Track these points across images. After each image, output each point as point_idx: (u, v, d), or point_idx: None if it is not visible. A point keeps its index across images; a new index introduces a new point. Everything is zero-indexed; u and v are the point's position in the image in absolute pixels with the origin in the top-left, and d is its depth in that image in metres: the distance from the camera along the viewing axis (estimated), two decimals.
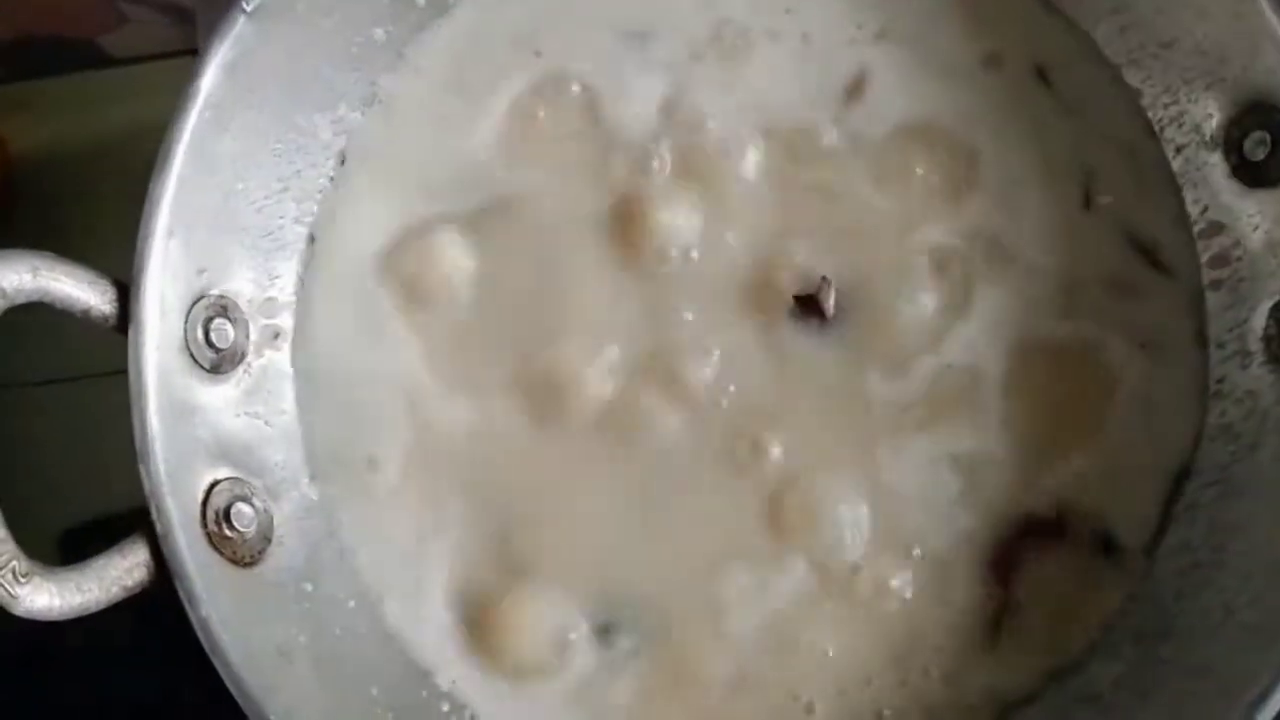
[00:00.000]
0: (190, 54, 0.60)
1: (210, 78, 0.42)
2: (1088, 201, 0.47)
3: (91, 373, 0.58)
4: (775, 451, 0.46)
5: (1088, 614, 0.45)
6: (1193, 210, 0.46)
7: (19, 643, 0.54)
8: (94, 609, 0.40)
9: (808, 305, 0.46)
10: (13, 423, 0.60)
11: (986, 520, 0.45)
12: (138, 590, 0.41)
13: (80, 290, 0.41)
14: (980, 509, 0.45)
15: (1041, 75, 0.47)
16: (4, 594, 0.38)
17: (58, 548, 0.57)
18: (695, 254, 0.47)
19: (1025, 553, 0.45)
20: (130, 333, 0.41)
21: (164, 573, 0.41)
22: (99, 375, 0.57)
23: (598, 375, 0.46)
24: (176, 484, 0.41)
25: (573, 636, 0.45)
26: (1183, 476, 0.45)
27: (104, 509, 0.56)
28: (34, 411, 0.60)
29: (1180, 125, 0.46)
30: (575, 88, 0.47)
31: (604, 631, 0.45)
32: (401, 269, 0.47)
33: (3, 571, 0.38)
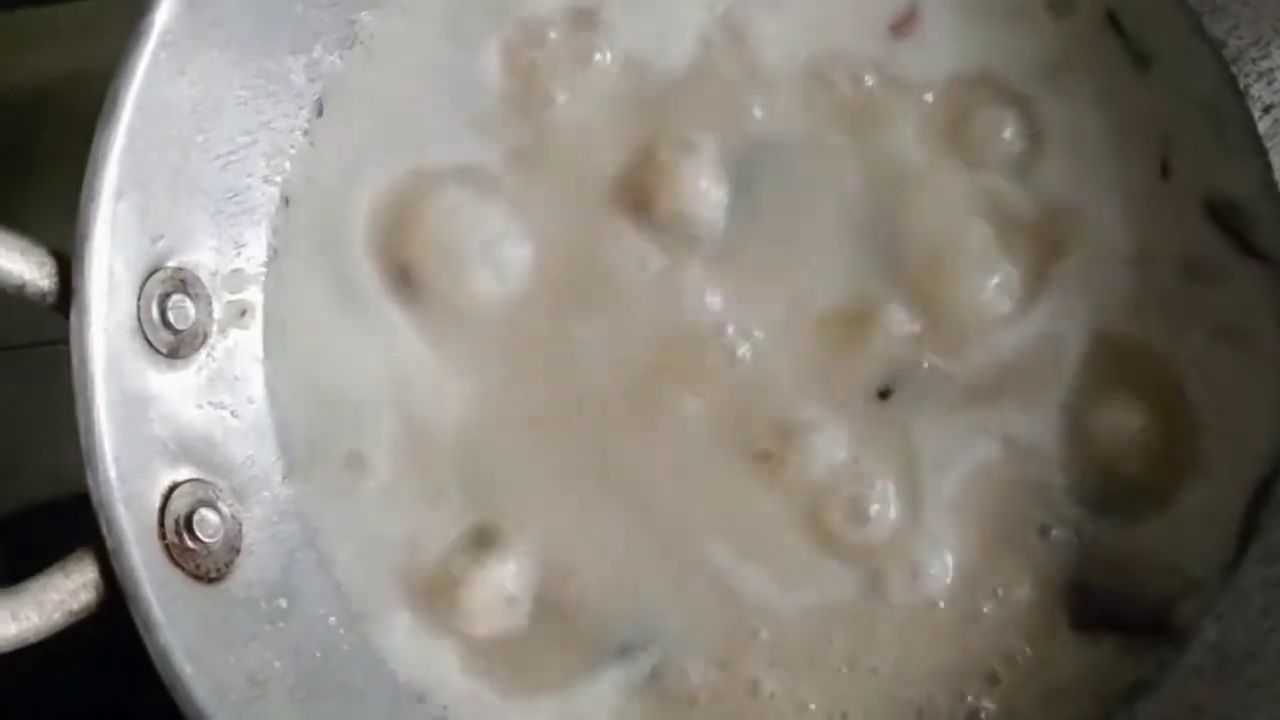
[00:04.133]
0: None
1: (165, 11, 0.37)
2: (1165, 170, 0.42)
3: (30, 342, 0.52)
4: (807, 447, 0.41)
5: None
6: None
7: None
8: (33, 639, 0.35)
9: None
10: None
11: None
12: (85, 615, 0.36)
13: (12, 262, 0.36)
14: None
15: (1114, 22, 0.42)
16: None
17: None
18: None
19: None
20: (73, 312, 0.36)
21: (116, 594, 0.35)
22: (40, 345, 0.52)
23: (621, 360, 0.41)
24: (130, 490, 0.36)
25: (587, 655, 0.41)
26: (1269, 479, 0.41)
27: (48, 493, 0.52)
28: None
29: (1270, 83, 0.42)
30: (591, 25, 0.42)
31: (621, 652, 0.40)
32: (388, 235, 0.42)
33: None
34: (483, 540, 0.41)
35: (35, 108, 0.54)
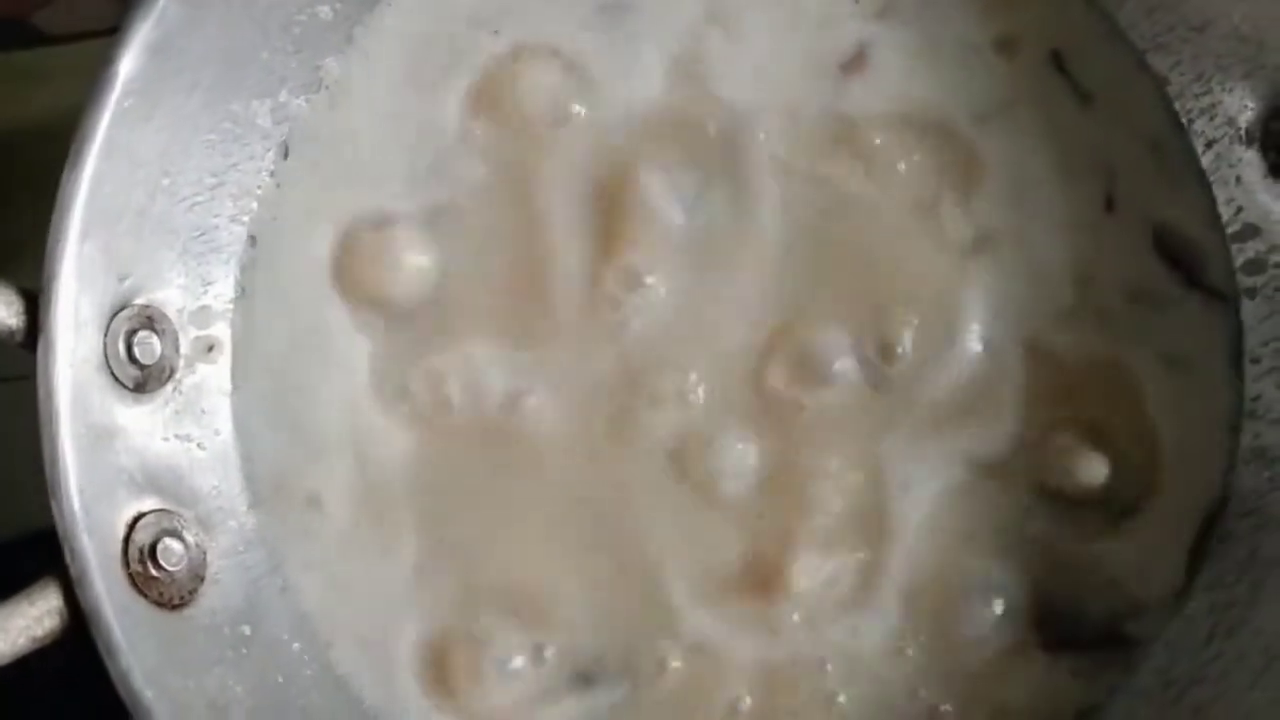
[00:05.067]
0: None
1: (130, 60, 0.37)
2: (1110, 203, 0.42)
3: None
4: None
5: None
6: (1225, 211, 0.42)
7: None
8: None
9: None
10: None
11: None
12: (49, 640, 0.36)
13: None
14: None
15: (1058, 61, 0.43)
16: None
17: None
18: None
19: None
20: (40, 349, 0.37)
21: (79, 620, 0.36)
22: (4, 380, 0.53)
23: (566, 401, 0.42)
24: (94, 520, 0.37)
25: (546, 684, 0.41)
26: (1214, 507, 0.41)
27: (15, 528, 0.50)
28: None
29: (1212, 118, 0.42)
30: (552, 69, 0.43)
31: (582, 680, 0.41)
32: (350, 274, 0.43)
33: None
34: (446, 575, 0.42)
35: (12, 147, 0.55)
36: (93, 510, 0.37)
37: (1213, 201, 0.42)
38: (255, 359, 0.42)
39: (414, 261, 0.42)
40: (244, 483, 0.42)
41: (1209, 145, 0.42)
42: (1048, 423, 0.42)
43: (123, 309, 0.39)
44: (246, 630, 0.40)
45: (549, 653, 0.41)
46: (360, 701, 0.41)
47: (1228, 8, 0.40)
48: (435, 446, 0.42)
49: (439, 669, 0.41)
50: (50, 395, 0.37)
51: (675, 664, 0.41)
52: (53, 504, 0.36)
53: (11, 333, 0.37)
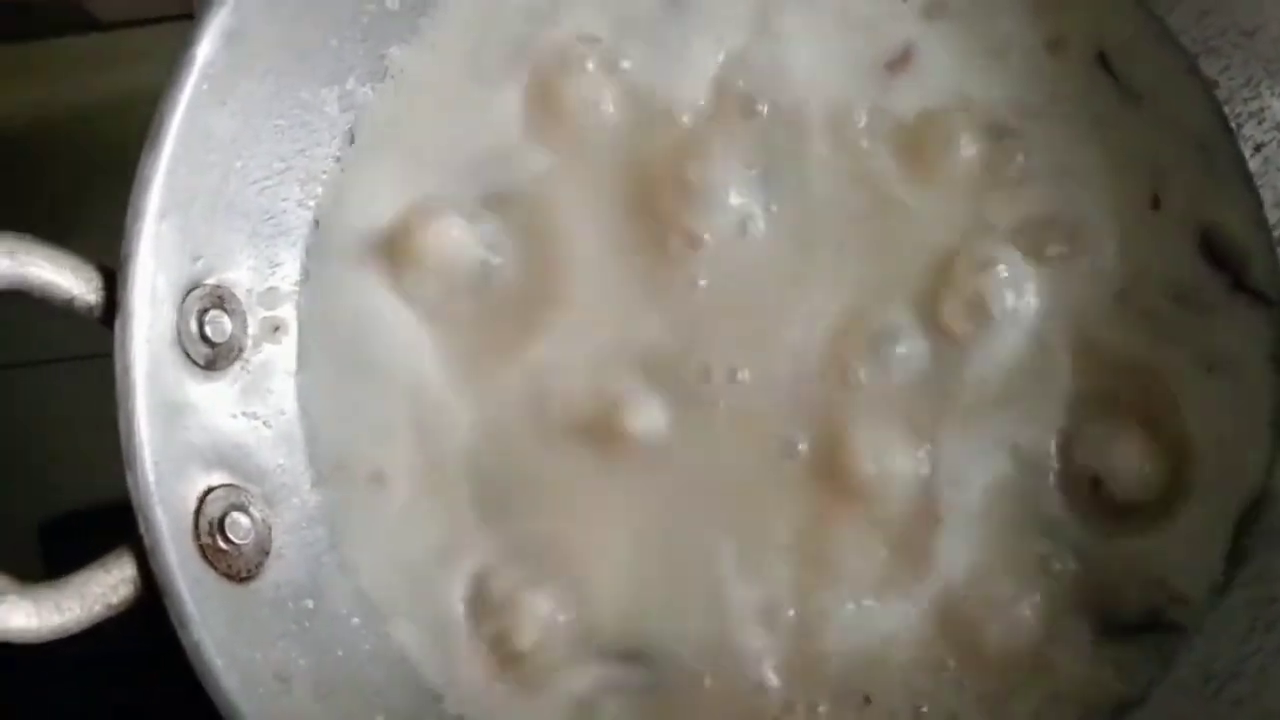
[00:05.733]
0: (183, 19, 0.56)
1: (207, 45, 0.39)
2: (1156, 202, 0.43)
3: (66, 356, 0.54)
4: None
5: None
6: (1271, 215, 0.43)
7: None
8: (74, 630, 0.36)
9: None
10: None
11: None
12: (123, 609, 0.37)
13: (63, 277, 0.37)
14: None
15: (1104, 62, 0.44)
16: None
17: (38, 540, 0.54)
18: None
19: None
20: (117, 325, 0.38)
21: (152, 590, 0.37)
22: (75, 359, 0.54)
23: (616, 386, 0.43)
24: (167, 492, 0.38)
25: (594, 660, 0.42)
26: (1254, 503, 0.42)
27: (87, 500, 0.53)
28: (6, 396, 0.56)
29: (1260, 121, 0.43)
30: (610, 62, 0.44)
31: (628, 658, 0.42)
32: (413, 259, 0.43)
33: None
34: (503, 553, 0.42)
35: (82, 129, 0.57)
36: (166, 483, 0.38)
37: (1260, 204, 0.43)
38: (319, 340, 0.43)
39: (474, 247, 0.43)
40: (307, 461, 0.43)
41: (1257, 149, 0.43)
42: (1092, 417, 0.42)
43: (195, 288, 0.40)
44: (309, 604, 0.41)
45: (600, 633, 0.42)
46: (419, 676, 0.42)
47: (1279, 12, 0.41)
48: (496, 427, 0.43)
49: (495, 645, 0.42)
50: (127, 370, 0.37)
51: (721, 641, 0.42)
52: (128, 476, 0.37)
53: (90, 308, 0.38)
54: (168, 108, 0.38)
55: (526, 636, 0.42)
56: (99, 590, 0.37)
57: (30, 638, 0.36)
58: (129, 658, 0.44)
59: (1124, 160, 0.43)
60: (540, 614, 0.42)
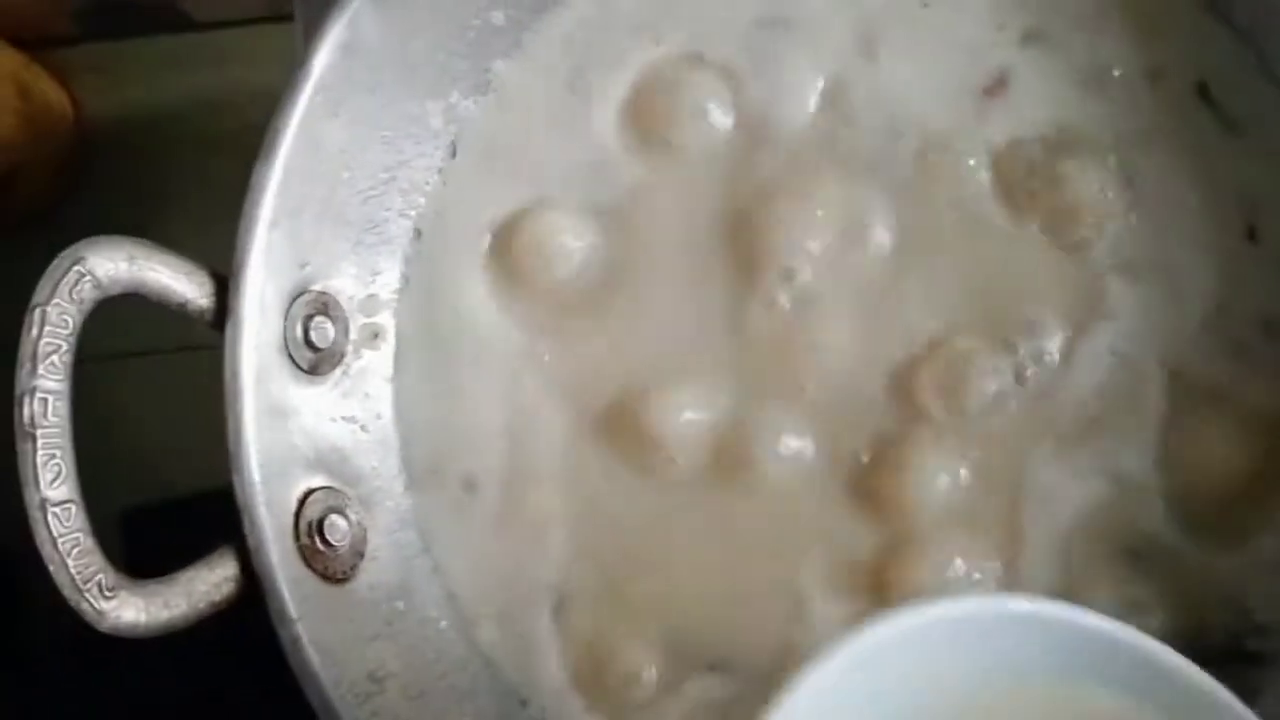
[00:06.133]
0: (277, 20, 0.57)
1: (324, 57, 0.40)
2: (1252, 233, 0.43)
3: (158, 349, 0.56)
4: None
5: None
6: None
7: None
8: (180, 625, 0.38)
9: None
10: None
11: None
12: (225, 606, 0.38)
13: (178, 283, 0.38)
14: None
15: (1203, 93, 0.44)
16: (89, 609, 0.36)
17: (119, 527, 0.54)
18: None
19: None
20: (228, 330, 0.39)
21: (254, 588, 0.38)
22: (166, 352, 0.56)
23: (703, 415, 0.43)
24: (270, 494, 0.39)
25: (680, 673, 0.42)
26: None
27: (168, 489, 0.55)
28: (92, 387, 0.58)
29: None
30: (709, 80, 0.44)
31: (712, 670, 0.42)
32: (509, 269, 0.44)
33: (89, 585, 0.36)
34: (592, 566, 0.43)
35: (175, 128, 0.58)
36: (270, 485, 0.39)
37: None
38: (416, 347, 0.44)
39: (571, 260, 0.44)
40: (401, 465, 0.44)
41: None
42: (1180, 443, 0.42)
43: (301, 294, 0.41)
44: (401, 606, 0.42)
45: (685, 652, 0.43)
46: (506, 684, 0.43)
47: None
48: (590, 440, 0.43)
49: (583, 660, 0.43)
50: (236, 374, 0.39)
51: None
52: (234, 477, 0.38)
53: (202, 312, 0.39)
54: (284, 118, 0.39)
55: (612, 650, 0.42)
56: (204, 588, 0.38)
57: (140, 632, 0.37)
58: (221, 649, 0.45)
59: (1221, 191, 0.43)
60: (624, 627, 0.43)
